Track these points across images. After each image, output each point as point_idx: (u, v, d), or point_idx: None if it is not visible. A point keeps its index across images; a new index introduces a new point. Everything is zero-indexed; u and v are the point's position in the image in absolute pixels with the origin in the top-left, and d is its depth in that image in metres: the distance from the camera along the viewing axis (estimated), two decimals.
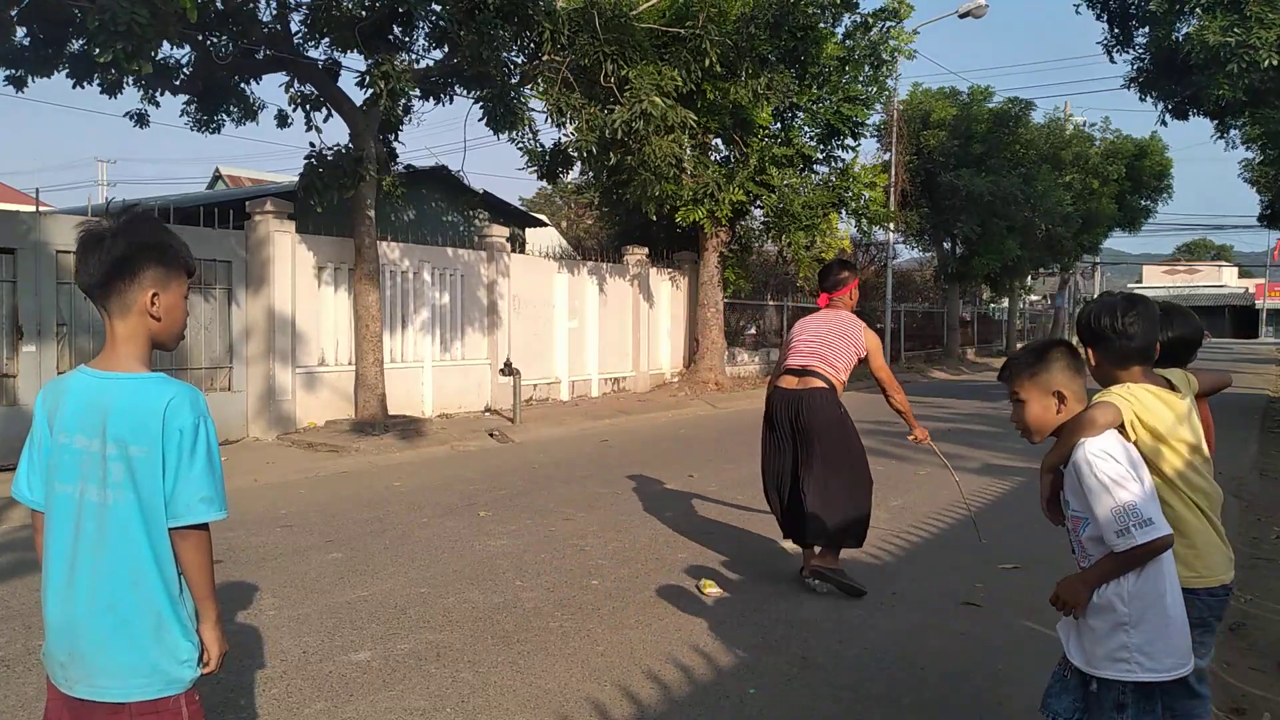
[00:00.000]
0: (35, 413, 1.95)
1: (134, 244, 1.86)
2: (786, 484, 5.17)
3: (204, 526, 1.92)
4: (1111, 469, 2.25)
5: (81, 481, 1.87)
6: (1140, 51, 15.36)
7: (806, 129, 17.40)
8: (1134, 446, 2.38)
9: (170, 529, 1.89)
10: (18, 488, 1.97)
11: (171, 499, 1.87)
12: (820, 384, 5.07)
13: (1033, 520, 6.74)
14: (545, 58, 10.76)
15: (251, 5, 9.89)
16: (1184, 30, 13.49)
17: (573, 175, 16.09)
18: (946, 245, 28.06)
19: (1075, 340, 2.66)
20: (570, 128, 11.45)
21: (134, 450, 1.84)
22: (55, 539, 1.91)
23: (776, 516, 5.33)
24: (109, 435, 1.85)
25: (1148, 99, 15.70)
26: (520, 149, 12.36)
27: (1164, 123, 15.99)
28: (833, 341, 5.15)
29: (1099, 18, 15.50)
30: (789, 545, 5.78)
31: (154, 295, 1.88)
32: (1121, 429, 2.40)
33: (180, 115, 11.33)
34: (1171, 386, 2.57)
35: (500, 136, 11.32)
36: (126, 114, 10.80)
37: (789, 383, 5.17)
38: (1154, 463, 2.46)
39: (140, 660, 1.88)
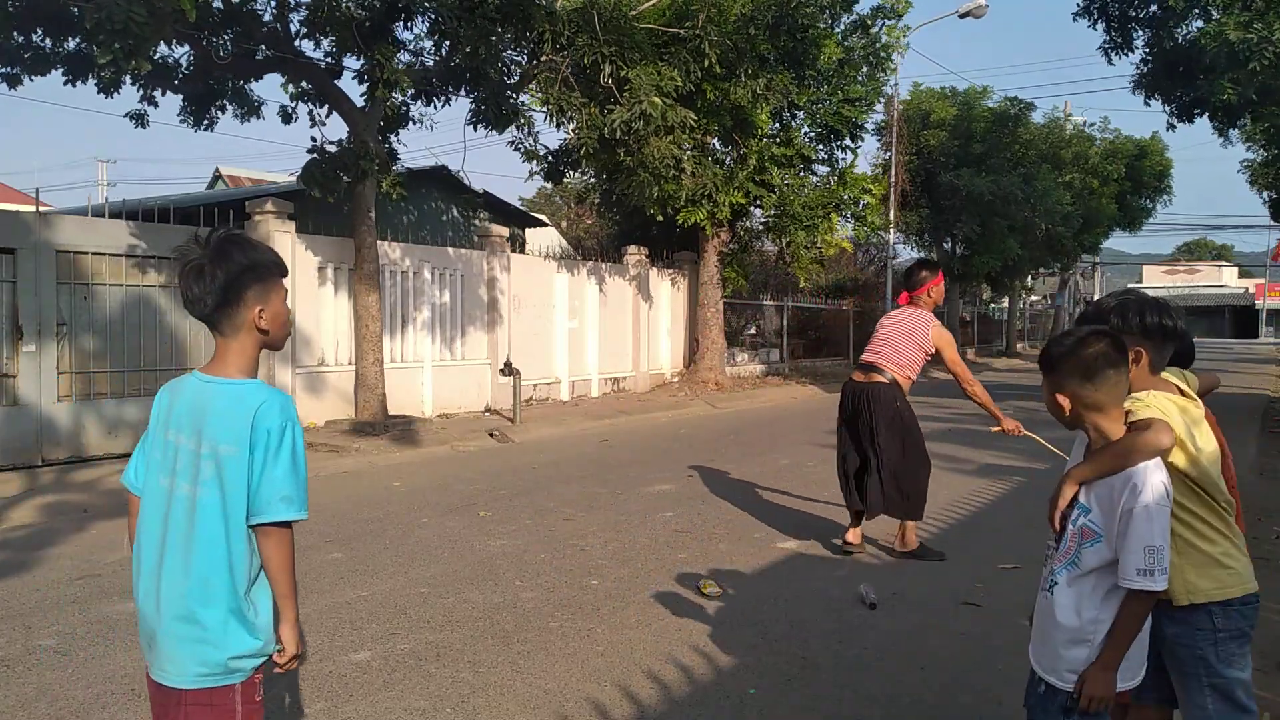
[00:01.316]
0: (153, 409, 2.11)
1: (232, 271, 1.98)
2: (852, 465, 5.76)
3: (286, 525, 1.99)
4: (1161, 502, 2.17)
5: (175, 476, 2.00)
6: (1145, 54, 15.33)
7: (806, 129, 17.40)
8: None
9: (253, 525, 1.97)
10: (125, 474, 2.13)
11: (254, 496, 1.96)
12: (882, 379, 5.63)
13: (1032, 520, 6.73)
14: (545, 58, 10.76)
15: (251, 5, 9.89)
16: (1196, 26, 13.41)
17: (575, 177, 16.10)
18: (947, 245, 28.06)
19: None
20: (570, 127, 11.45)
21: (224, 450, 1.95)
22: (148, 528, 2.04)
23: (843, 491, 5.91)
24: (204, 435, 1.97)
25: (1154, 102, 15.67)
26: (517, 149, 12.32)
27: (1171, 126, 15.88)
28: (898, 340, 5.66)
29: (1092, 26, 15.47)
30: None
31: (260, 311, 2.04)
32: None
33: (179, 114, 11.33)
34: (1181, 392, 2.51)
35: (499, 133, 11.32)
36: (126, 114, 10.79)
37: (858, 377, 5.79)
38: (1182, 475, 2.38)
39: (203, 652, 1.96)
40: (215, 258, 1.98)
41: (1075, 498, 2.31)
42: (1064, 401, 2.28)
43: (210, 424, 1.97)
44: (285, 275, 2.13)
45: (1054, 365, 2.29)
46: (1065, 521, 2.34)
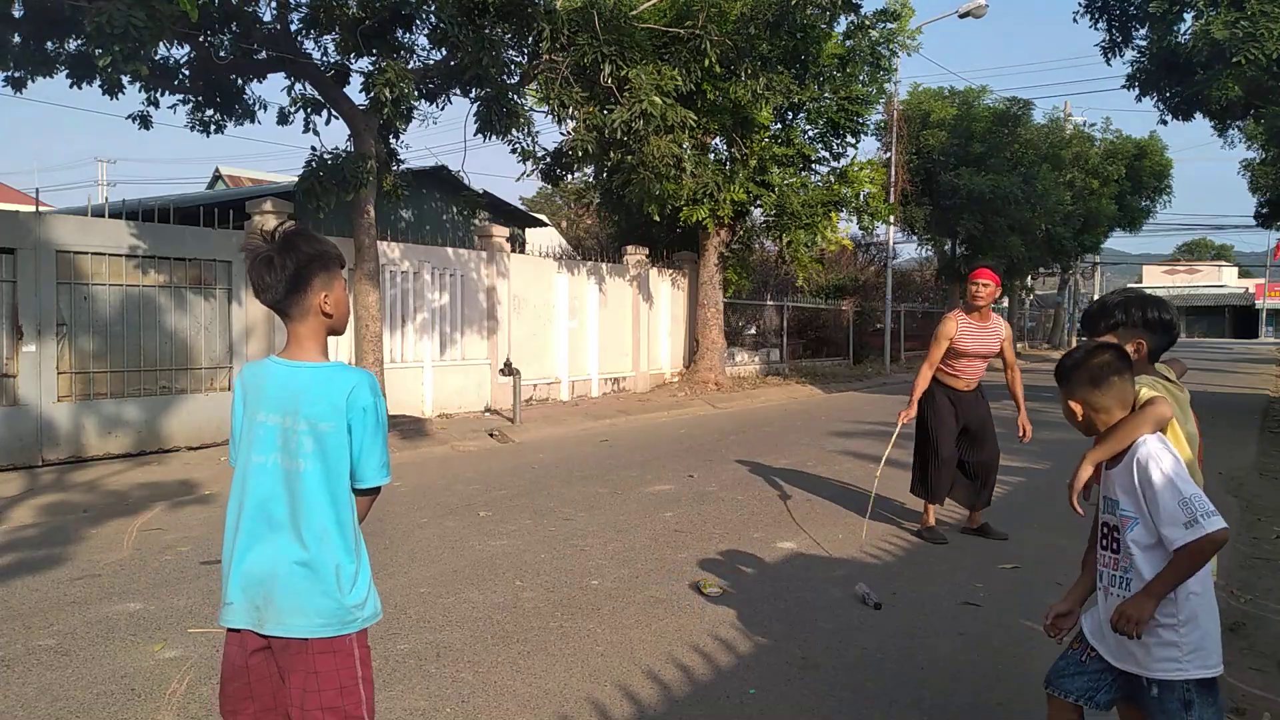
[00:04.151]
0: (234, 396, 2.28)
1: (300, 260, 2.16)
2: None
3: (379, 489, 2.28)
4: (1172, 463, 2.28)
5: (277, 453, 2.17)
6: (1140, 53, 15.31)
7: (806, 128, 17.39)
8: None
9: (358, 490, 2.22)
10: (230, 458, 2.32)
11: (359, 465, 2.19)
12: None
13: (1032, 520, 6.74)
14: (545, 57, 10.75)
15: (252, 6, 9.87)
16: (1186, 29, 13.45)
17: (574, 177, 16.07)
18: (947, 246, 28.03)
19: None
20: (570, 126, 11.43)
21: (323, 426, 2.15)
22: (253, 500, 2.20)
23: None
24: (302, 414, 2.15)
25: (1148, 98, 15.67)
26: (515, 150, 12.27)
27: (1164, 121, 15.95)
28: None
29: (1094, 26, 15.46)
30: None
31: (325, 296, 2.20)
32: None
33: (173, 110, 11.28)
34: (1168, 379, 2.60)
35: (502, 140, 11.30)
36: (129, 116, 10.74)
37: None
38: None
39: (323, 604, 2.16)
40: (283, 249, 2.16)
41: (1112, 499, 2.40)
42: (1077, 408, 2.44)
43: (307, 404, 2.15)
44: (344, 266, 2.28)
45: (1066, 376, 2.46)
46: (1110, 531, 2.41)
